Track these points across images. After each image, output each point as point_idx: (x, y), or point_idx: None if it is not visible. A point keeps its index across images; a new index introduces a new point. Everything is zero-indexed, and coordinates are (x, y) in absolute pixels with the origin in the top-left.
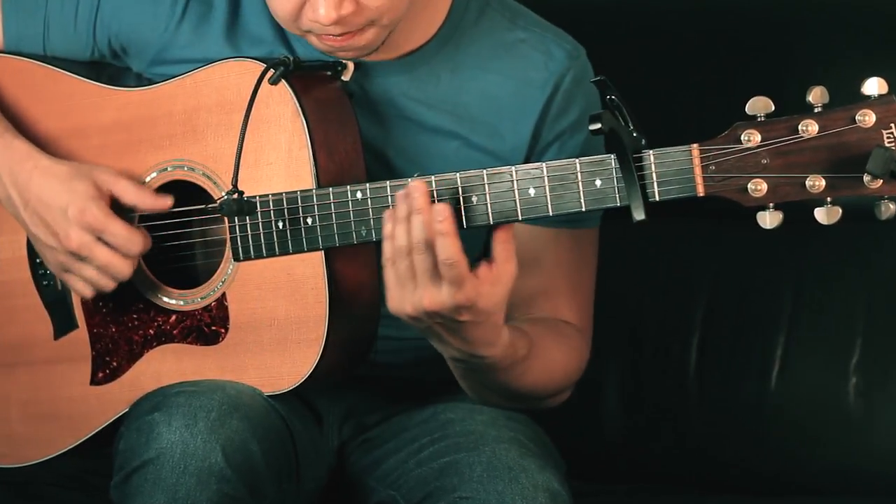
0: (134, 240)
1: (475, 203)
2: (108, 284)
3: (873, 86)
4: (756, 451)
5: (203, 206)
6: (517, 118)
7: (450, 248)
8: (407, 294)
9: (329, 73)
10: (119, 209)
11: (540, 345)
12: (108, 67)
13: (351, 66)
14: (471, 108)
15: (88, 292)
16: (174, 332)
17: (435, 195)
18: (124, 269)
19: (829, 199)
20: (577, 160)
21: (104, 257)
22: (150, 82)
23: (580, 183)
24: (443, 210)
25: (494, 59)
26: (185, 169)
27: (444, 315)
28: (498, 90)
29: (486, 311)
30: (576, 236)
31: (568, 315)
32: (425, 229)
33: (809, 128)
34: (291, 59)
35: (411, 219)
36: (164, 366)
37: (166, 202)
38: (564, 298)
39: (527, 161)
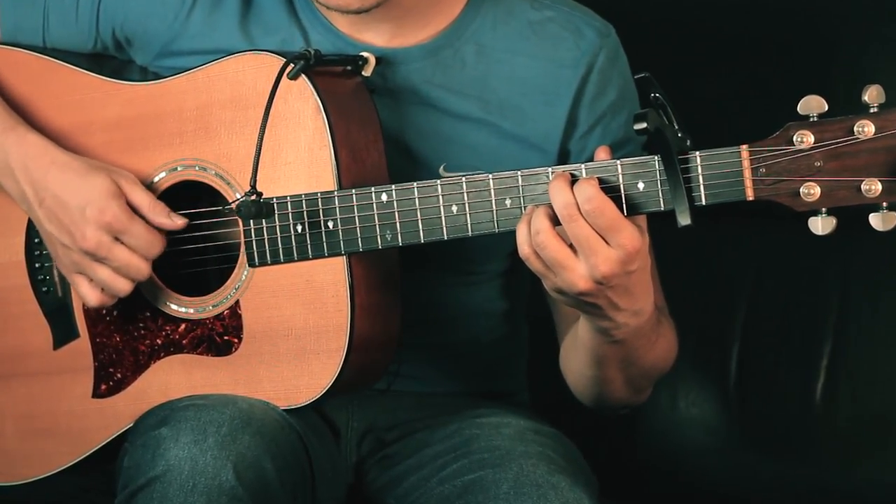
0: (155, 241)
1: (509, 206)
2: (123, 287)
3: None
4: (800, 467)
5: (220, 208)
6: (550, 100)
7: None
8: (570, 274)
9: (350, 67)
10: None
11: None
12: (111, 60)
13: (372, 60)
14: (499, 92)
15: (95, 299)
16: (183, 341)
17: (466, 197)
18: (143, 269)
19: (885, 203)
20: (618, 161)
21: (123, 257)
22: (157, 76)
23: (622, 186)
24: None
25: (521, 39)
26: (197, 168)
27: (618, 274)
28: (527, 72)
29: (644, 251)
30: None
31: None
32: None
33: (866, 129)
34: (312, 52)
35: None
36: (171, 378)
37: (177, 222)
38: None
39: (563, 148)
